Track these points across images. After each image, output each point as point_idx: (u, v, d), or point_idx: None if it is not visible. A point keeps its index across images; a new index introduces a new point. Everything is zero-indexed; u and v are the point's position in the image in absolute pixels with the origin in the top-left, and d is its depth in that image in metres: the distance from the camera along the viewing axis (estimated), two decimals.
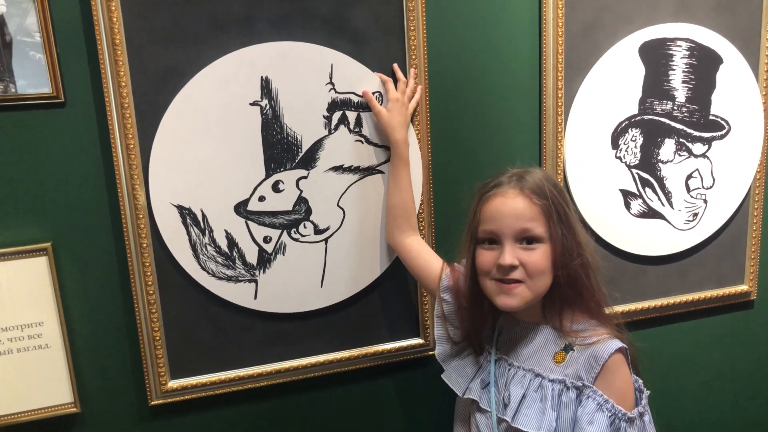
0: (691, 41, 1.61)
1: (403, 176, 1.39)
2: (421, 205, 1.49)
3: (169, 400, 1.41)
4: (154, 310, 1.36)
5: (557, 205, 1.12)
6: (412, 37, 1.42)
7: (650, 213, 1.68)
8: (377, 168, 1.44)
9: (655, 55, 1.59)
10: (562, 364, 1.11)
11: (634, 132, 1.62)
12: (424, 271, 1.36)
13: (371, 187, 1.44)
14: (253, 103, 1.35)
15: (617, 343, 1.09)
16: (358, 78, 1.40)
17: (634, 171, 1.64)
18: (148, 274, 1.34)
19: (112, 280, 1.36)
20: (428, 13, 1.43)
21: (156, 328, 1.36)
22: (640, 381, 1.16)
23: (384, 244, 1.48)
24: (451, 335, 1.27)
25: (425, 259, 1.37)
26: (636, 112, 1.61)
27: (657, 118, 1.62)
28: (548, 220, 1.11)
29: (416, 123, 1.46)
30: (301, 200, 1.40)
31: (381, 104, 1.42)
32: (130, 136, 1.28)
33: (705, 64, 1.63)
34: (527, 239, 1.11)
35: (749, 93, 1.69)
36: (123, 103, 1.27)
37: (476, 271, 1.16)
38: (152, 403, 1.40)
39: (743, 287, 1.83)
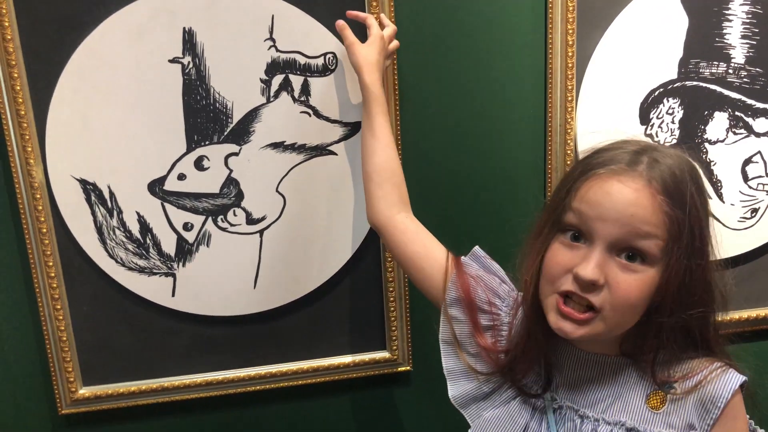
0: None
1: (384, 128, 1.11)
2: None
3: (82, 409, 1.26)
4: (58, 306, 1.20)
5: (694, 220, 0.80)
6: None
7: None
8: (328, 148, 1.22)
9: (705, 2, 1.27)
10: (662, 410, 0.86)
11: (672, 103, 1.31)
12: (423, 262, 1.03)
13: (320, 170, 1.23)
14: (173, 60, 1.16)
15: (738, 377, 0.84)
16: (306, 34, 1.18)
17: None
18: (50, 264, 1.19)
19: (14, 271, 1.21)
20: None
21: (62, 327, 1.21)
22: (752, 422, 0.91)
23: (337, 241, 1.26)
24: (475, 367, 0.97)
25: (424, 245, 1.04)
26: (675, 76, 1.30)
27: (704, 84, 1.31)
28: (673, 239, 0.79)
29: None
30: (231, 182, 1.20)
31: (333, 68, 1.19)
32: (20, 100, 1.12)
33: None
34: (630, 253, 0.80)
35: None
36: (9, 61, 1.11)
37: (537, 270, 0.86)
38: (62, 412, 1.26)
39: None
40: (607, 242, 0.79)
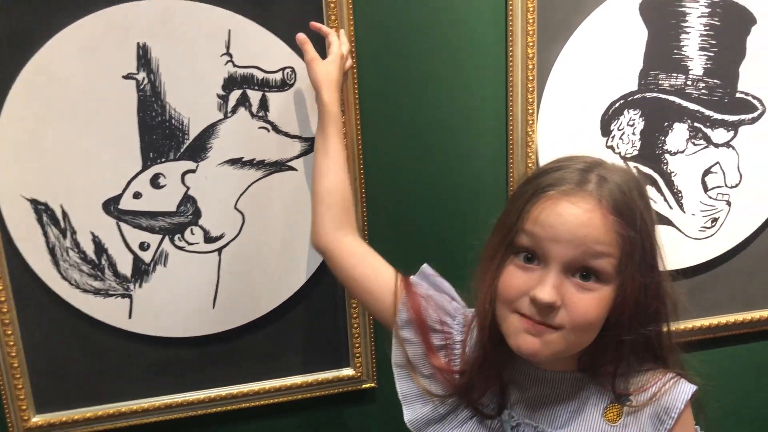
0: None
1: (339, 148, 1.09)
2: None
3: None
4: (9, 332, 1.17)
5: (645, 236, 0.81)
6: None
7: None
8: (287, 163, 1.21)
9: (663, 14, 1.29)
10: (619, 422, 0.87)
11: (632, 114, 1.32)
12: (372, 284, 1.01)
13: (279, 186, 1.21)
14: (127, 76, 1.13)
15: (690, 387, 0.87)
16: (264, 48, 1.17)
17: (632, 164, 1.35)
18: None
19: None
20: None
21: (12, 353, 1.18)
22: (698, 427, 0.93)
23: (298, 257, 1.24)
24: (429, 389, 0.94)
25: (372, 267, 1.02)
26: (635, 88, 1.31)
27: (664, 96, 1.32)
28: (626, 256, 0.79)
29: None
30: (188, 199, 1.18)
31: (292, 83, 1.17)
32: None
33: (731, 25, 1.32)
34: (585, 273, 0.80)
35: None
36: None
37: (493, 294, 0.85)
38: None
39: None
40: (562, 263, 0.79)
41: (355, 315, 1.30)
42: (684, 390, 0.86)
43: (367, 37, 1.21)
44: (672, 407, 0.85)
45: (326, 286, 1.28)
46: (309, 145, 1.21)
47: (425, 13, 1.23)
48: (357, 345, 1.32)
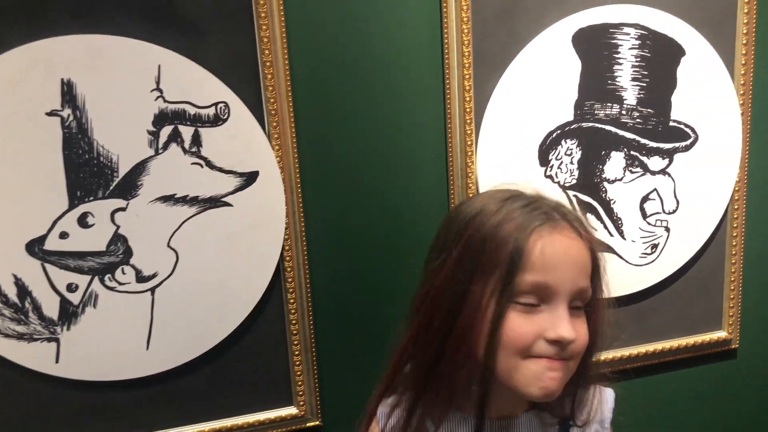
0: (643, 28, 1.33)
1: None
2: (287, 251, 1.23)
3: None
4: None
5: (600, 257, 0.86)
6: (264, 27, 1.15)
7: None
8: (222, 199, 1.18)
9: (595, 46, 1.31)
10: None
11: (570, 144, 1.33)
12: None
13: (214, 223, 1.19)
14: (51, 113, 1.10)
15: (611, 393, 0.95)
16: (196, 83, 1.15)
17: (571, 193, 1.36)
18: None
19: None
20: None
21: None
22: None
23: (236, 294, 1.21)
24: None
25: None
26: (571, 118, 1.33)
27: (600, 125, 1.34)
28: (597, 277, 0.84)
29: (275, 138, 1.18)
30: (119, 238, 1.14)
31: (226, 118, 1.16)
32: None
33: (661, 56, 1.34)
34: (578, 303, 0.81)
35: (721, 92, 1.40)
36: None
37: (495, 347, 0.79)
38: None
39: (721, 334, 1.54)
40: (568, 297, 0.78)
41: (297, 352, 1.28)
42: (609, 399, 0.93)
43: (301, 70, 1.21)
44: (606, 418, 0.91)
45: (266, 323, 1.26)
46: (245, 180, 1.19)
47: (361, 46, 1.23)
48: (300, 383, 1.29)
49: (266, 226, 1.22)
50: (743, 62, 1.41)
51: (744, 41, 1.40)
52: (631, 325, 1.48)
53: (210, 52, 1.15)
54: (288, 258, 1.24)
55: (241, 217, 1.20)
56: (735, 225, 1.49)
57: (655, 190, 1.41)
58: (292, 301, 1.26)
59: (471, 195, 1.31)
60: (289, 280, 1.25)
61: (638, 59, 1.34)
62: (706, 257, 1.50)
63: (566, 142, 1.34)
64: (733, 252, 1.51)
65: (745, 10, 1.39)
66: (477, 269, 0.80)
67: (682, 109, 1.38)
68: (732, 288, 1.52)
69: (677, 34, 1.35)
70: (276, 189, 1.21)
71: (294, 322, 1.26)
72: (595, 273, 0.83)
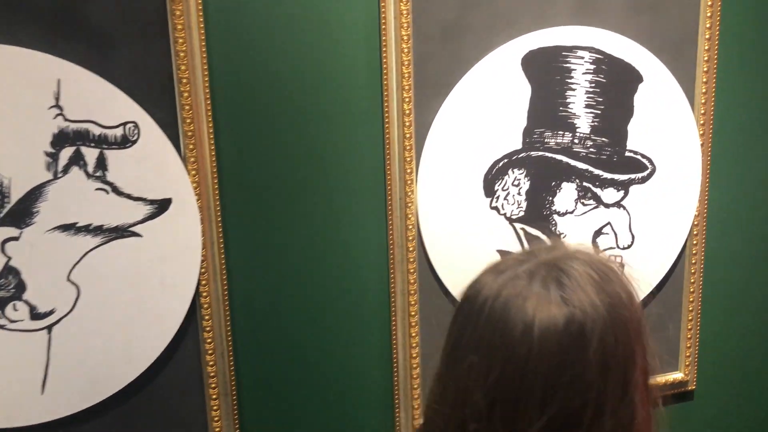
0: (598, 51, 1.25)
1: None
2: (203, 285, 1.13)
3: None
4: None
5: None
6: (180, 40, 1.04)
7: None
8: (130, 229, 1.08)
9: (546, 70, 1.23)
10: None
11: (518, 173, 1.25)
12: None
13: (121, 254, 1.09)
14: None
15: None
16: (101, 100, 1.05)
17: (518, 226, 1.28)
18: None
19: None
20: (208, 4, 1.06)
21: None
22: None
23: (146, 331, 1.11)
24: None
25: None
26: (519, 146, 1.24)
27: (550, 154, 1.26)
28: None
29: (191, 162, 1.08)
30: (10, 271, 1.04)
31: (135, 140, 1.05)
32: None
33: (618, 82, 1.27)
34: None
35: (680, 121, 1.34)
36: None
37: None
38: None
39: (678, 375, 1.47)
40: None
41: (214, 396, 1.18)
42: None
43: (224, 93, 1.11)
44: None
45: (181, 365, 1.16)
46: (156, 208, 1.09)
47: (291, 63, 1.14)
48: (218, 429, 1.19)
49: (180, 258, 1.11)
50: (704, 90, 1.34)
51: (705, 68, 1.33)
52: None
53: (119, 67, 1.05)
54: (205, 293, 1.14)
55: (151, 249, 1.10)
56: (693, 261, 1.42)
57: (608, 223, 1.33)
58: (209, 340, 1.16)
59: (410, 227, 1.22)
60: (206, 317, 1.15)
61: (593, 85, 1.26)
62: (663, 295, 1.42)
63: (514, 172, 1.26)
64: (691, 290, 1.43)
65: (707, 36, 1.32)
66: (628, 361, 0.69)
67: (639, 138, 1.31)
68: (689, 327, 1.45)
69: (635, 60, 1.28)
70: (191, 218, 1.11)
71: (211, 363, 1.16)
72: None
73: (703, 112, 1.35)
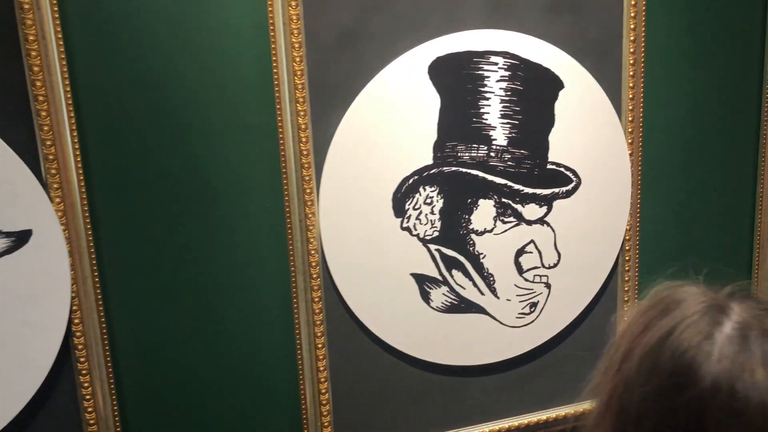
0: (513, 56, 1.16)
1: None
2: (76, 325, 1.02)
3: None
4: None
5: None
6: (33, 53, 0.94)
7: (463, 306, 1.23)
8: None
9: (456, 78, 1.14)
10: None
11: (429, 191, 1.16)
12: None
13: None
14: None
15: None
16: None
17: (433, 247, 1.19)
18: None
19: None
20: (69, 9, 0.97)
21: None
22: None
23: (7, 380, 0.99)
24: None
25: None
26: (430, 161, 1.15)
27: (464, 169, 1.17)
28: None
29: (54, 188, 0.97)
30: None
31: None
32: None
33: (536, 90, 1.19)
34: None
35: (607, 130, 1.26)
36: None
37: None
38: None
39: None
40: None
41: None
42: None
43: (94, 111, 1.00)
44: None
45: (54, 415, 1.05)
46: (12, 241, 0.97)
47: (170, 73, 1.04)
48: None
49: (46, 295, 1.00)
50: (630, 96, 1.26)
51: (631, 72, 1.25)
52: (512, 395, 1.31)
53: None
54: (78, 333, 1.03)
55: (8, 287, 0.98)
56: (627, 278, 1.34)
57: (532, 241, 1.25)
58: (86, 384, 1.05)
59: (313, 251, 1.12)
60: (81, 359, 1.04)
61: (509, 93, 1.17)
62: (595, 316, 1.34)
63: (425, 189, 1.16)
64: (625, 308, 1.35)
65: (632, 38, 1.23)
66: None
67: (561, 149, 1.22)
68: None
69: (554, 65, 1.19)
70: (57, 251, 0.99)
71: (90, 410, 1.05)
72: None
73: (631, 119, 1.27)
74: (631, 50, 1.24)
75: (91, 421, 1.06)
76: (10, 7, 0.93)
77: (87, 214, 1.02)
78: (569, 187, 1.24)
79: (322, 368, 1.16)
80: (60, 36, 0.96)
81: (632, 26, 1.23)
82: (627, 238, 1.32)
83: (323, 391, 1.18)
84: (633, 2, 1.22)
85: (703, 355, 0.54)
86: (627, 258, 1.33)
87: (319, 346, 1.15)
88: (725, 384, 0.52)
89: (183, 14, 1.02)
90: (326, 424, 1.19)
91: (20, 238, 0.98)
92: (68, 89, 0.98)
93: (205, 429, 1.16)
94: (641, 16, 1.24)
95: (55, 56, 0.96)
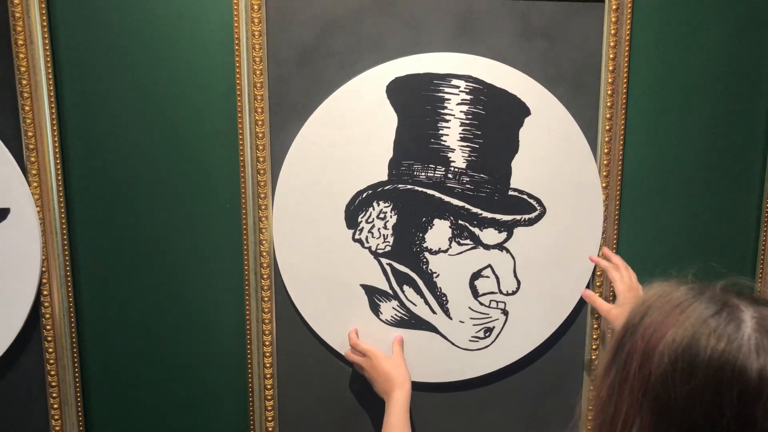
0: (476, 80, 1.18)
1: None
2: (45, 296, 1.15)
3: None
4: None
5: None
6: (21, 55, 1.09)
7: (414, 321, 1.25)
8: None
9: (415, 99, 1.17)
10: None
11: (383, 206, 1.20)
12: None
13: None
14: None
15: None
16: None
17: (385, 261, 1.22)
18: None
19: None
20: (57, 19, 1.11)
21: None
22: None
23: None
24: None
25: None
26: (385, 178, 1.19)
27: (420, 188, 1.20)
28: None
29: (32, 174, 1.11)
30: None
31: None
32: None
33: (499, 114, 1.20)
34: None
35: (577, 161, 1.23)
36: None
37: None
38: None
39: None
40: None
41: (55, 405, 1.19)
42: None
43: (74, 110, 1.13)
44: None
45: (22, 375, 1.19)
46: None
47: (147, 82, 1.15)
48: None
49: (18, 268, 1.14)
50: (607, 127, 1.23)
51: (608, 103, 1.22)
52: (460, 416, 1.31)
53: None
54: (46, 303, 1.16)
55: None
56: (597, 315, 1.30)
57: (489, 266, 1.25)
58: (50, 350, 1.18)
59: (264, 253, 1.19)
60: (47, 327, 1.17)
61: (470, 117, 1.18)
62: (560, 348, 1.31)
63: (379, 204, 1.20)
64: (594, 347, 1.31)
65: (610, 68, 1.21)
66: None
67: (525, 176, 1.22)
68: (592, 388, 1.33)
69: (520, 91, 1.19)
70: (30, 229, 1.13)
71: (52, 372, 1.18)
72: None
73: (606, 151, 1.24)
74: (610, 80, 1.21)
75: (53, 383, 1.19)
76: (5, 15, 1.07)
77: (61, 198, 1.14)
78: (532, 215, 1.23)
79: (268, 365, 1.23)
80: (47, 42, 1.09)
81: (611, 56, 1.21)
82: (598, 273, 1.29)
83: (269, 397, 1.24)
84: (613, 31, 1.20)
85: (741, 352, 0.59)
86: (599, 293, 1.29)
87: (267, 343, 1.22)
88: None
89: (159, 29, 1.13)
90: (270, 418, 1.25)
91: (0, 214, 1.12)
92: (51, 88, 1.11)
93: (155, 403, 1.25)
94: (623, 45, 1.21)
95: (41, 59, 1.09)
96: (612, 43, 1.20)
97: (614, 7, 1.20)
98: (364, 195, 1.20)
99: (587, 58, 1.21)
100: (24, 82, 1.09)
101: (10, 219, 1.13)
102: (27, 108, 1.10)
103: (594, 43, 1.21)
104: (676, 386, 0.59)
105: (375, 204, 1.20)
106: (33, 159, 1.12)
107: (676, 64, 1.25)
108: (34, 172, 1.12)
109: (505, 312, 1.27)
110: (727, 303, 0.63)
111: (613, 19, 1.20)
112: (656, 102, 1.25)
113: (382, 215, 1.21)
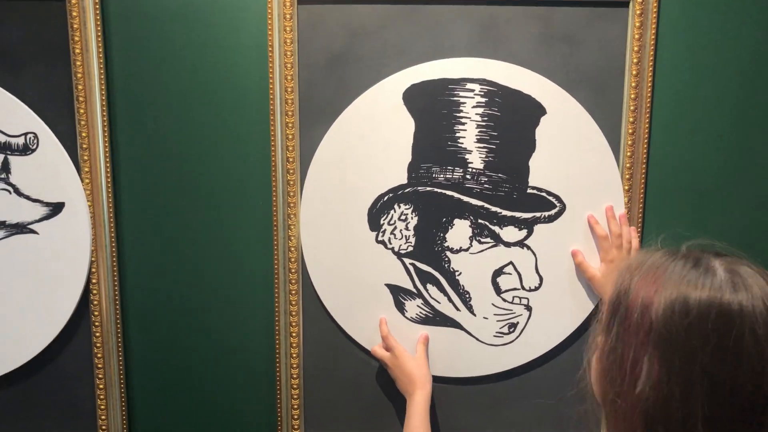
0: (489, 83, 1.23)
1: None
2: (93, 284, 1.28)
3: None
4: None
5: None
6: (77, 62, 1.21)
7: (438, 319, 1.30)
8: (29, 226, 1.24)
9: (431, 104, 1.23)
10: None
11: (404, 209, 1.26)
12: None
13: (20, 249, 1.27)
14: None
15: None
16: (7, 112, 1.24)
17: (408, 261, 1.27)
18: None
19: None
20: (110, 30, 1.23)
21: None
22: None
23: (38, 321, 1.28)
24: None
25: None
26: (405, 181, 1.24)
27: (439, 190, 1.25)
28: None
29: (85, 171, 1.23)
30: None
31: (35, 148, 1.21)
32: None
33: (515, 115, 1.24)
34: None
35: (595, 158, 1.25)
36: None
37: None
38: None
39: None
40: None
41: (101, 386, 1.30)
42: None
43: (124, 112, 1.25)
44: None
45: (72, 355, 1.30)
46: (50, 210, 1.24)
47: (189, 87, 1.25)
48: (103, 417, 1.31)
49: (71, 257, 1.26)
50: (631, 131, 1.24)
51: (632, 107, 1.23)
52: (483, 410, 1.34)
53: (25, 83, 1.23)
54: (95, 291, 1.27)
55: (46, 246, 1.25)
56: None
57: (510, 263, 1.28)
58: (97, 334, 1.29)
59: (292, 249, 1.27)
60: (95, 312, 1.28)
61: (485, 119, 1.23)
62: (582, 344, 1.32)
63: (400, 207, 1.26)
64: None
65: (634, 72, 1.23)
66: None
67: (543, 174, 1.25)
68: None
69: (535, 91, 1.22)
70: (82, 222, 1.25)
71: (99, 355, 1.29)
72: None
73: (629, 154, 1.25)
74: (633, 84, 1.23)
75: (99, 365, 1.29)
76: (64, 26, 1.20)
77: (110, 194, 1.26)
78: (552, 212, 1.26)
79: (294, 355, 1.30)
80: (101, 51, 1.21)
81: (635, 60, 1.23)
82: None
83: (295, 386, 1.31)
84: (637, 36, 1.22)
85: (722, 291, 0.72)
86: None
87: (293, 335, 1.29)
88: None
89: (200, 38, 1.23)
90: (295, 406, 1.32)
91: (57, 208, 1.25)
92: (104, 93, 1.23)
93: (192, 385, 1.34)
94: (648, 50, 1.23)
95: (95, 66, 1.21)
96: (636, 48, 1.22)
97: (638, 12, 1.22)
98: (386, 198, 1.25)
99: (610, 62, 1.24)
100: (80, 87, 1.22)
101: (64, 212, 1.25)
102: (81, 111, 1.22)
103: (618, 48, 1.23)
104: (676, 323, 0.71)
105: (396, 206, 1.26)
106: (86, 158, 1.24)
107: (702, 69, 1.25)
108: (86, 169, 1.24)
109: (528, 308, 1.29)
110: (698, 258, 0.76)
111: (638, 24, 1.23)
112: (682, 106, 1.25)
113: (403, 217, 1.26)
